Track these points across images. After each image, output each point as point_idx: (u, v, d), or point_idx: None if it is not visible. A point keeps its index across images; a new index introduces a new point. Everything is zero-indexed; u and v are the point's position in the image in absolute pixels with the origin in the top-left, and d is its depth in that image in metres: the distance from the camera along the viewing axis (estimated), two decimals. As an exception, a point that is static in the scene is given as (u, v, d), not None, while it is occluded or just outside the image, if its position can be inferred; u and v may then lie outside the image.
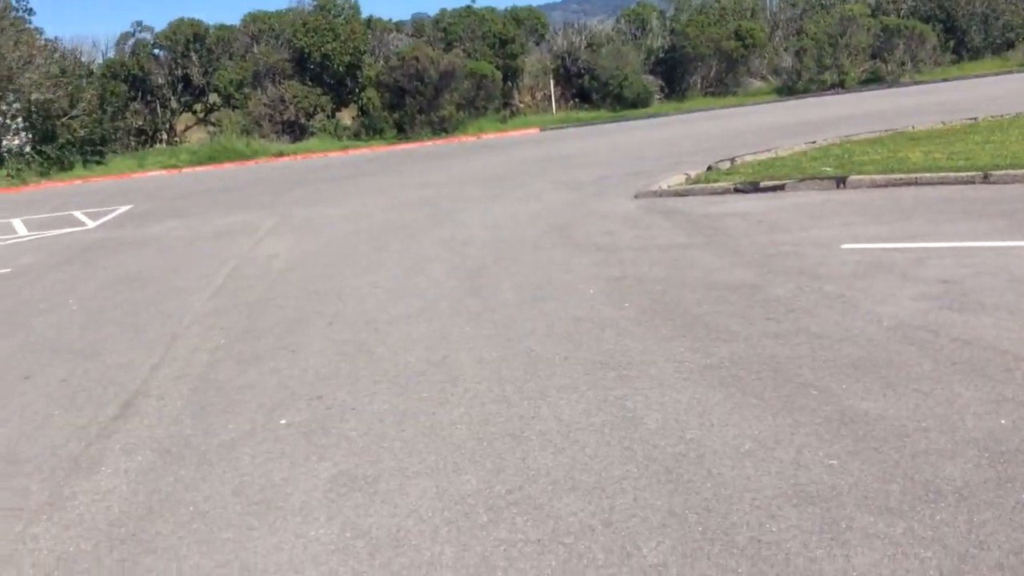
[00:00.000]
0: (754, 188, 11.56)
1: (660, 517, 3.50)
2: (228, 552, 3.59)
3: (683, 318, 6.17)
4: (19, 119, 29.77)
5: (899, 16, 41.14)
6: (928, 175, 10.72)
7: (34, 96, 28.80)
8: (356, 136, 33.11)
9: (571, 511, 3.63)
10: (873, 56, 38.19)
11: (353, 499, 3.94)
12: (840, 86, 36.67)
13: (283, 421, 4.99)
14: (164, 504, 4.08)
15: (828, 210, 9.73)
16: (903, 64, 38.04)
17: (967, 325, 5.41)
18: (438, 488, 3.96)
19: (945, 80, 35.87)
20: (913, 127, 16.51)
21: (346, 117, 35.54)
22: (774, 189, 11.42)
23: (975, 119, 16.55)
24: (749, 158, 14.59)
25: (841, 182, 11.12)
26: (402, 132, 32.39)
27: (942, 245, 7.53)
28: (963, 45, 41.07)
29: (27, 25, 31.02)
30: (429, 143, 30.56)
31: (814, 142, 15.86)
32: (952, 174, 10.58)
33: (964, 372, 4.67)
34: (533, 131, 32.33)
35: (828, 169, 12.08)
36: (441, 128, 32.02)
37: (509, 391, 5.09)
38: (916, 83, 36.15)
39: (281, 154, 29.72)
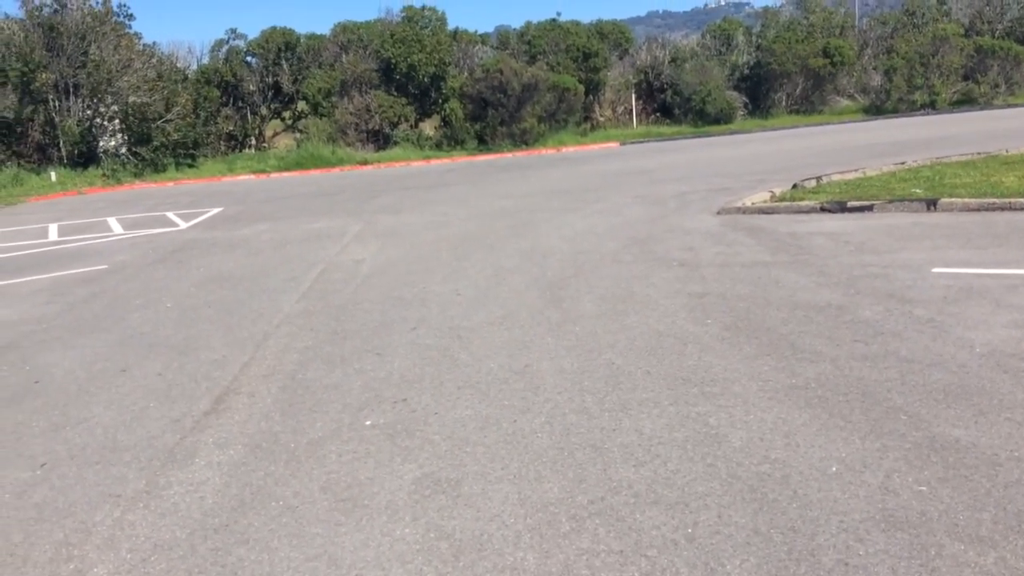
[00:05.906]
0: (841, 208, 11.38)
1: (744, 535, 3.49)
2: (317, 547, 3.70)
3: (767, 337, 6.12)
4: (116, 121, 30.70)
5: (994, 37, 40.09)
6: (1023, 200, 10.41)
7: (131, 99, 29.76)
8: (438, 146, 33.47)
9: (654, 524, 3.64)
10: (965, 77, 37.31)
11: (437, 501, 4.01)
12: (931, 107, 35.86)
13: (368, 422, 5.10)
14: (255, 497, 4.22)
15: (918, 232, 9.53)
16: (997, 86, 37.09)
17: (1065, 355, 5.26)
18: (520, 495, 4.01)
19: (1042, 103, 34.86)
20: (1007, 151, 16.05)
21: (429, 127, 35.93)
22: (862, 210, 11.22)
23: (1075, 144, 16.04)
24: (836, 177, 14.38)
25: (932, 204, 10.88)
26: (483, 143, 32.66)
27: (1038, 272, 7.33)
28: (1062, 68, 39.83)
29: (127, 30, 32.13)
30: (509, 155, 30.74)
31: (903, 163, 15.54)
32: (1049, 200, 10.27)
33: (1061, 403, 4.55)
34: (613, 145, 32.30)
35: (918, 191, 11.83)
36: (522, 140, 32.21)
37: (590, 402, 5.12)
38: (1010, 106, 35.20)
39: (365, 162, 30.22)
